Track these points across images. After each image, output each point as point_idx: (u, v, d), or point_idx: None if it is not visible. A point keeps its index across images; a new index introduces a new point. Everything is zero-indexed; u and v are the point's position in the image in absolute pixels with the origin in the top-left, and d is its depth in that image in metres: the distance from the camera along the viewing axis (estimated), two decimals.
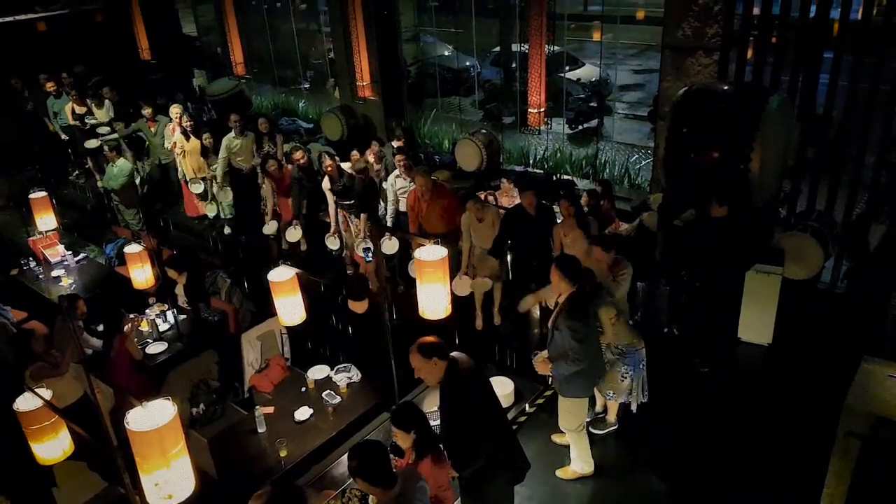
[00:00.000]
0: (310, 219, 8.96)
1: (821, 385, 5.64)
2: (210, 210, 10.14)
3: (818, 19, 7.00)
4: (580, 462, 5.39)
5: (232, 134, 9.44)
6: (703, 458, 5.52)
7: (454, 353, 4.05)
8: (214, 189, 9.90)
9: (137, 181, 10.46)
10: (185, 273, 7.18)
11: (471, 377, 4.08)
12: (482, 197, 7.77)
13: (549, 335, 4.97)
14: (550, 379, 5.11)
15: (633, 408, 5.61)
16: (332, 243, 8.52)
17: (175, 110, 10.01)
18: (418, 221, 7.53)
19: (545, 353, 4.99)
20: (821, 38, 7.07)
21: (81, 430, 3.42)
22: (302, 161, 8.47)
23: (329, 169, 7.97)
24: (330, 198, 8.30)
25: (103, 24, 15.11)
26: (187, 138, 9.85)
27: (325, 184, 8.21)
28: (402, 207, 8.04)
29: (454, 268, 6.78)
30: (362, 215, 7.99)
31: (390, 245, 7.72)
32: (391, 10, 12.09)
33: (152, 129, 10.54)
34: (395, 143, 9.32)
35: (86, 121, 11.31)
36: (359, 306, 6.25)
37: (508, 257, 7.38)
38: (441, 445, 4.09)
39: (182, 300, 7.25)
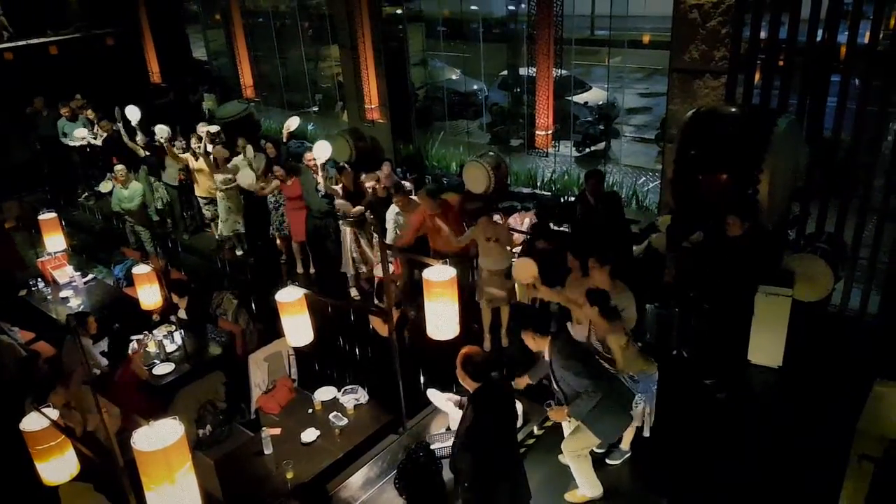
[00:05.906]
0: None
1: (832, 408, 5.58)
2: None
3: (826, 43, 7.02)
4: (587, 487, 5.31)
5: (239, 157, 9.43)
6: (714, 481, 5.45)
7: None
8: (221, 207, 9.88)
9: (153, 209, 10.47)
10: (185, 297, 7.15)
11: (500, 400, 4.12)
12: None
13: (551, 382, 4.87)
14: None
15: (646, 432, 5.51)
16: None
17: (203, 129, 10.16)
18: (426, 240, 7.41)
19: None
20: (828, 61, 7.09)
21: (88, 451, 3.40)
22: (310, 162, 8.47)
23: (341, 184, 7.99)
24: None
25: (115, 48, 15.30)
26: (196, 158, 9.89)
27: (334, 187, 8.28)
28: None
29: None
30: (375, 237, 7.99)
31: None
32: (399, 35, 12.22)
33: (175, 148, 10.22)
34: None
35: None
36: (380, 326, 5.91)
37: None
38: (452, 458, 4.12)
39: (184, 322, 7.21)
